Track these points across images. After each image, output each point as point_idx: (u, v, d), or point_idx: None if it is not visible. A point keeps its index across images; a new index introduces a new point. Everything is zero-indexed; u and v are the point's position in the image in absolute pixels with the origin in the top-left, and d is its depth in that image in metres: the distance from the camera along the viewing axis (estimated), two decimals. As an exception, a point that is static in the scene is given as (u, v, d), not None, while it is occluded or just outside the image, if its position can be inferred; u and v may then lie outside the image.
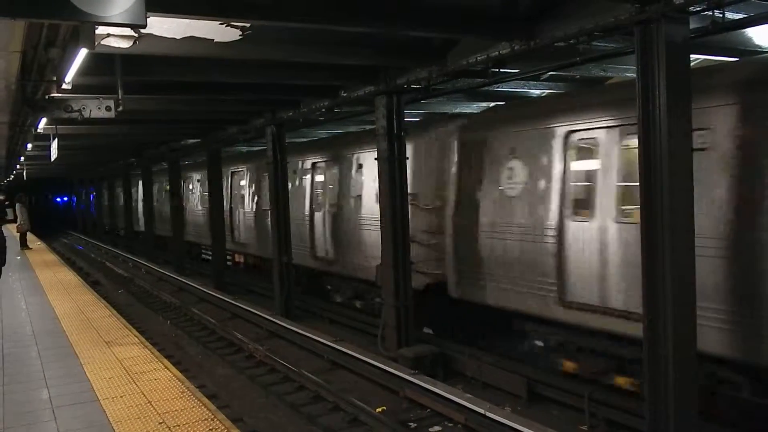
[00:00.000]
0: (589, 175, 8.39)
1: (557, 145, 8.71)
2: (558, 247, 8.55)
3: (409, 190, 10.91)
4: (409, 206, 10.89)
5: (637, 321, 6.85)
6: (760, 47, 8.70)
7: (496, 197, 9.61)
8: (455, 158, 10.50)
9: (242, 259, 20.92)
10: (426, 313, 11.39)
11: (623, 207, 7.85)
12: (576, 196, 8.56)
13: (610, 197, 7.99)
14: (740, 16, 6.72)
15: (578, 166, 8.54)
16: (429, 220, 11.06)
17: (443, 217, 10.71)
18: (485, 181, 9.85)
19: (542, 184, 8.90)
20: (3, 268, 10.43)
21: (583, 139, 8.42)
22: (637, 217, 7.14)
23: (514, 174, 9.38)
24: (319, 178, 14.91)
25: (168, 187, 23.64)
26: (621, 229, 7.77)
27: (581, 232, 8.33)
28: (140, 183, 29.05)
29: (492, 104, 12.87)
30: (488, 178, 9.77)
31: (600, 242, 8.07)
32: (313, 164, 15.02)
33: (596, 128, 8.20)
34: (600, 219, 8.13)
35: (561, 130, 8.68)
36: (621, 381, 8.16)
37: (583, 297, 8.23)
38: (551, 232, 8.67)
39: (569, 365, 8.83)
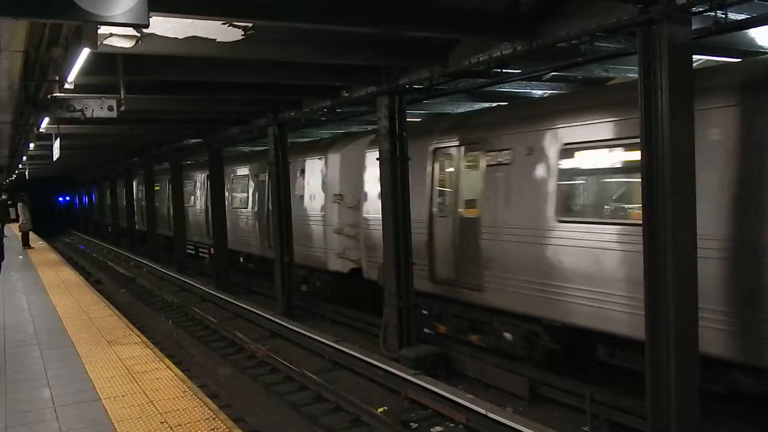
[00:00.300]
0: (445, 180, 10.81)
1: (429, 157, 10.96)
2: (429, 237, 10.79)
3: (337, 191, 13.74)
4: (338, 205, 13.73)
5: (473, 290, 9.85)
6: (763, 48, 8.70)
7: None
8: (365, 167, 12.63)
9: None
10: (347, 292, 14.15)
11: (466, 204, 10.33)
12: (440, 196, 10.88)
13: (458, 197, 10.45)
14: (743, 16, 6.71)
15: (440, 173, 10.91)
16: (352, 216, 13.29)
17: (360, 213, 12.90)
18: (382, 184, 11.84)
19: (419, 187, 10.93)
20: (3, 264, 10.42)
21: (444, 154, 10.81)
22: (475, 211, 9.97)
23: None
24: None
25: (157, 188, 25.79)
26: (464, 221, 10.17)
27: (442, 225, 10.64)
28: (135, 182, 30.59)
29: (495, 104, 12.87)
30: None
31: (452, 233, 10.41)
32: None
33: (450, 146, 10.61)
34: (452, 214, 10.47)
35: (431, 146, 10.91)
36: (473, 338, 10.50)
37: (443, 274, 10.55)
38: (425, 226, 10.90)
39: (441, 328, 11.12)
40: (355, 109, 13.01)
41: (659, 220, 6.05)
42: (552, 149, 8.65)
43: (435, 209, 10.82)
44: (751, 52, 8.65)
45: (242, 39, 7.64)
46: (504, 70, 8.98)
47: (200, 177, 22.78)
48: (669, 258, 5.99)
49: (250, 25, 7.20)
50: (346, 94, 11.67)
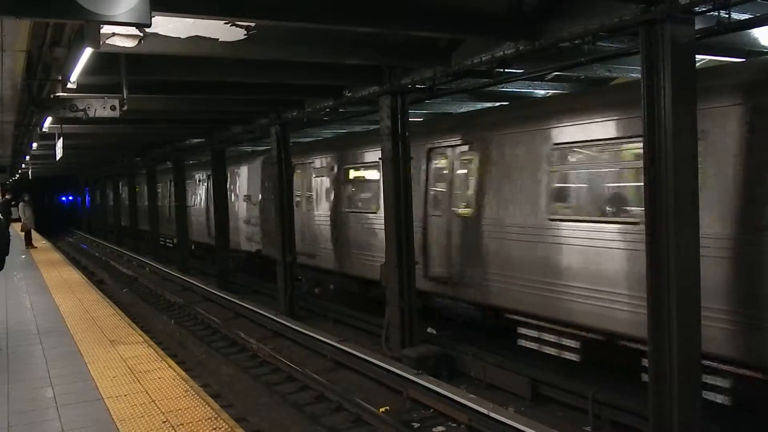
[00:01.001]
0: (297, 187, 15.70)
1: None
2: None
3: (246, 193, 18.86)
4: (246, 203, 18.74)
5: (311, 257, 15.10)
6: (766, 48, 8.67)
7: (270, 198, 16.32)
8: (260, 176, 18.11)
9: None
10: (256, 267, 19.41)
11: (309, 203, 15.45)
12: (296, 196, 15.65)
13: (302, 196, 15.76)
14: (746, 16, 6.69)
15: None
16: (256, 211, 18.31)
17: (260, 209, 18.05)
18: (266, 189, 17.26)
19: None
20: (7, 258, 10.37)
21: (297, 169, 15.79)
22: (310, 206, 15.40)
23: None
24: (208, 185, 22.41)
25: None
26: (303, 213, 15.39)
27: (297, 216, 15.17)
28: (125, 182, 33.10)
29: (497, 104, 12.86)
30: (266, 187, 17.09)
31: (301, 221, 15.34)
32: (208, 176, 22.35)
33: (299, 164, 15.63)
34: (302, 208, 15.55)
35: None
36: (317, 290, 16.14)
37: (300, 249, 14.94)
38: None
39: (316, 291, 16.12)
40: (358, 108, 13.01)
41: (662, 221, 6.04)
42: (337, 167, 14.07)
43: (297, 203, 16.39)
44: (755, 52, 8.63)
45: (244, 39, 7.64)
46: (507, 70, 8.96)
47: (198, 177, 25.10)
48: (671, 258, 5.98)
49: (252, 24, 7.20)
50: (349, 94, 11.66)
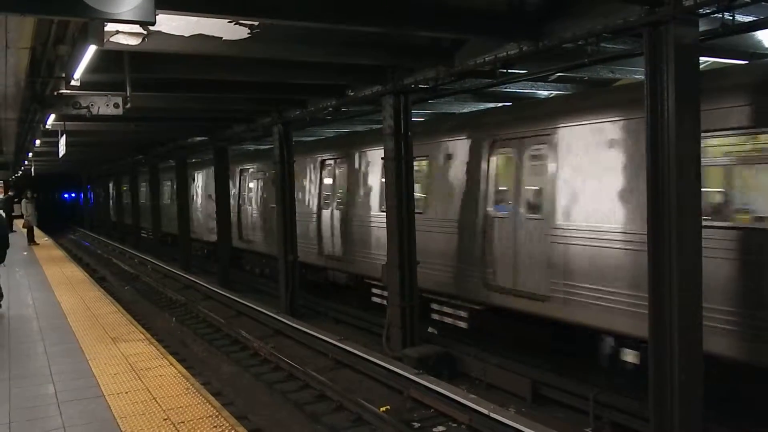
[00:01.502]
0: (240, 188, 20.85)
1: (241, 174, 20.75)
2: (237, 216, 20.45)
3: (210, 193, 21.60)
4: (210, 201, 21.37)
5: (252, 242, 19.79)
6: (770, 50, 8.67)
7: (230, 196, 20.72)
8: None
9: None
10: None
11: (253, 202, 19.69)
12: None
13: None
14: (750, 18, 6.68)
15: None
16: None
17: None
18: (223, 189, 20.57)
19: (234, 191, 20.71)
20: (7, 261, 10.42)
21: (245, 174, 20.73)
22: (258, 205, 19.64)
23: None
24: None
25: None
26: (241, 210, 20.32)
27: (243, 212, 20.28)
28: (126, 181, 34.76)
29: (500, 105, 12.84)
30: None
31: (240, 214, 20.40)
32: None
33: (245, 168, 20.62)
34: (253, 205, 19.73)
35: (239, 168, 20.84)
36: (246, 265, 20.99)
37: (248, 236, 19.68)
38: (235, 211, 20.49)
39: (256, 270, 20.29)
40: (360, 108, 13.01)
41: (664, 222, 6.04)
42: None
43: (240, 202, 20.43)
44: (758, 54, 8.62)
45: (248, 38, 7.65)
46: (510, 71, 8.96)
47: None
48: (673, 259, 5.98)
49: (255, 23, 7.21)
50: (351, 94, 11.66)
